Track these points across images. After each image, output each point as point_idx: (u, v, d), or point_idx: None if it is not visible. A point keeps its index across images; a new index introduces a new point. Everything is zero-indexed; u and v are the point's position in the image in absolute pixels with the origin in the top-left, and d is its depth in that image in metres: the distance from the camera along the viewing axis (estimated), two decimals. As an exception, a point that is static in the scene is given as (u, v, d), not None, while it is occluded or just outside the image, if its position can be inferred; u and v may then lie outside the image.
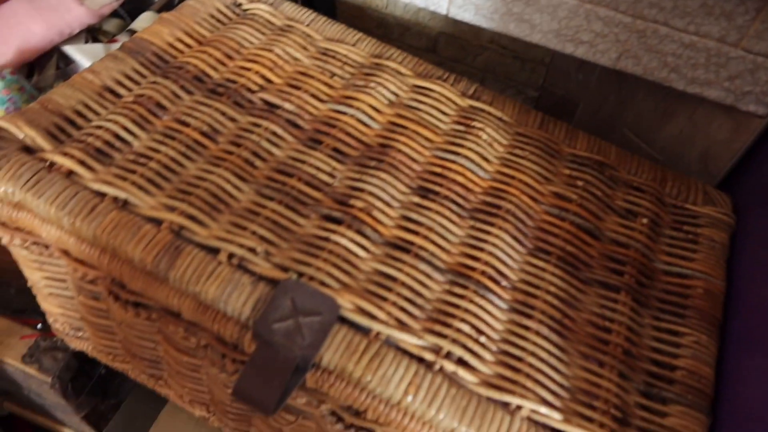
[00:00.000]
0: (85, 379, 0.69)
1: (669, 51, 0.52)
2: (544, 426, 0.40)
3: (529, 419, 0.40)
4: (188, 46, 0.55)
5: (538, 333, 0.43)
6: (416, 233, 0.46)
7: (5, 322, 0.68)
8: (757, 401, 0.39)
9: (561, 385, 0.41)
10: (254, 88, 0.53)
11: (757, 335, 0.43)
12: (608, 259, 0.49)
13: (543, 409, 0.40)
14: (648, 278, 0.49)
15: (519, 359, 0.42)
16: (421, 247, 0.46)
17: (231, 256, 0.42)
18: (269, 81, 0.54)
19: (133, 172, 0.45)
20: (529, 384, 0.41)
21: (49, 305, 0.57)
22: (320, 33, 0.60)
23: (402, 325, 0.41)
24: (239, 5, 0.61)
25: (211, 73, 0.54)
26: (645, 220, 0.52)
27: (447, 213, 0.48)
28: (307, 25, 0.60)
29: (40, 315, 0.68)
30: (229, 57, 0.55)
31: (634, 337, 0.45)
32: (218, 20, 0.59)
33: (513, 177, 0.52)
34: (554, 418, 0.40)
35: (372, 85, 0.55)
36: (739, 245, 0.52)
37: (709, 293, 0.48)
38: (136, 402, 0.64)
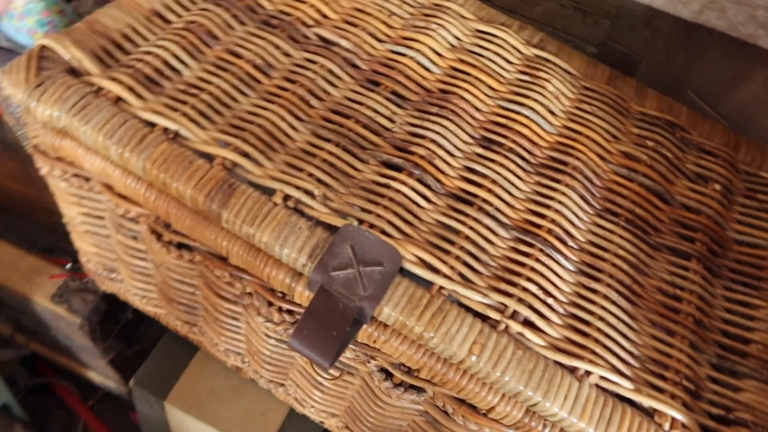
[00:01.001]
0: (112, 323, 0.68)
1: (761, 4, 0.48)
2: (613, 394, 0.37)
3: (598, 386, 0.37)
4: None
5: (606, 297, 0.41)
6: (480, 186, 0.43)
7: (34, 260, 0.67)
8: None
9: (630, 353, 0.39)
10: (309, 22, 0.50)
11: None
12: (679, 224, 0.46)
13: (613, 377, 0.37)
14: (720, 247, 0.46)
15: (587, 323, 0.39)
16: (486, 201, 0.43)
17: (287, 197, 0.39)
18: (325, 16, 0.51)
19: (185, 102, 0.42)
20: (599, 350, 0.38)
21: (83, 243, 0.55)
22: (376, -30, 0.56)
23: (466, 281, 0.39)
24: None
25: (265, 3, 0.50)
26: (717, 186, 0.49)
27: (512, 166, 0.45)
28: (363, -40, 0.56)
29: (70, 255, 0.66)
30: (283, -11, 0.52)
31: (705, 307, 0.42)
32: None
33: (580, 133, 0.49)
34: (624, 386, 0.37)
35: (433, 26, 0.52)
36: (815, 218, 0.49)
37: (785, 266, 0.45)
38: (168, 348, 0.62)
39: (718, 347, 0.41)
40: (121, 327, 0.69)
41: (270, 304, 0.44)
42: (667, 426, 0.36)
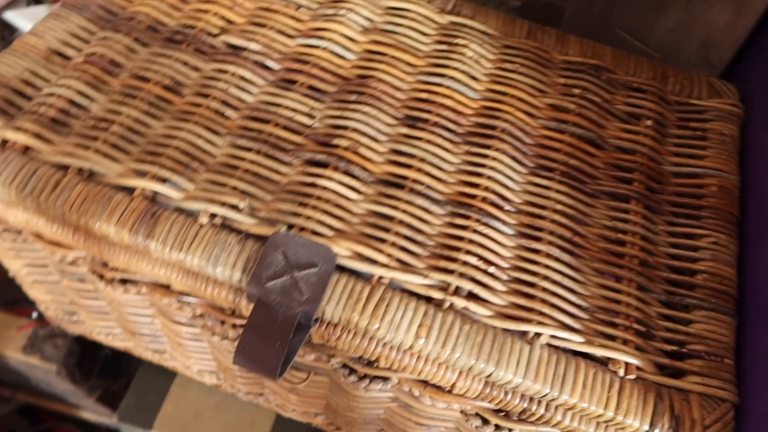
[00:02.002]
0: (91, 361, 0.68)
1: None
2: (566, 350, 0.38)
3: (550, 346, 0.38)
4: (136, -6, 0.51)
5: (548, 255, 0.41)
6: (408, 166, 0.43)
7: None
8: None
9: (579, 306, 0.39)
10: (215, 31, 0.49)
11: (778, 228, 0.41)
12: (614, 167, 0.46)
13: (563, 334, 0.38)
14: (658, 183, 0.46)
15: (532, 285, 0.39)
16: (416, 181, 0.43)
17: (213, 216, 0.39)
18: (230, 22, 0.50)
19: (95, 138, 0.41)
20: (546, 309, 0.38)
21: (36, 293, 0.55)
22: (278, -37, 0.55)
23: (405, 266, 0.39)
24: (186, -57, 0.55)
25: (166, 20, 0.49)
26: (649, 122, 0.49)
27: (439, 141, 0.45)
28: (263, -44, 0.55)
29: (32, 304, 0.66)
30: (184, 1, 0.50)
31: (649, 246, 0.43)
32: (165, -37, 0.54)
33: (505, 93, 0.48)
34: (575, 341, 0.38)
35: (342, 12, 0.51)
36: (750, 135, 0.49)
37: (724, 190, 0.45)
38: (146, 377, 0.62)
39: (667, 284, 0.41)
40: (102, 363, 0.69)
41: (222, 322, 0.44)
42: (621, 372, 0.37)
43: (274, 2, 0.51)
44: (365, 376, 0.43)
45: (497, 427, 0.42)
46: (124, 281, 0.45)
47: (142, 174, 0.40)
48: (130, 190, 0.40)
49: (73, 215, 0.38)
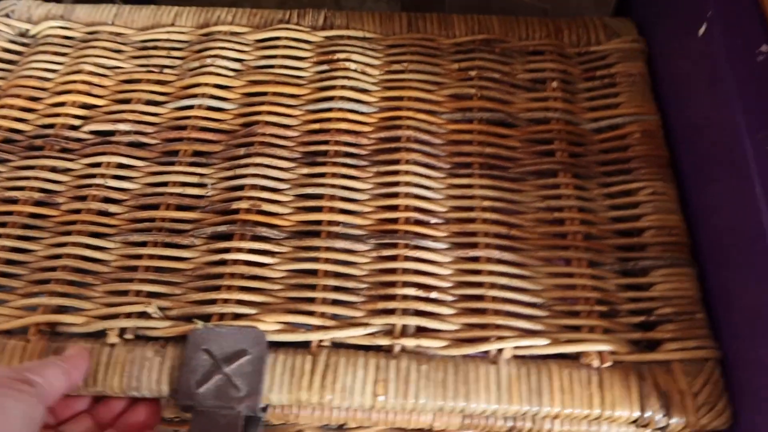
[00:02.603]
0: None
1: None
2: (534, 357, 0.35)
3: (516, 357, 0.35)
4: (-18, 107, 0.46)
5: (489, 259, 0.38)
6: (319, 209, 0.40)
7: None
8: (727, 228, 0.35)
9: (534, 305, 0.37)
10: (76, 123, 0.44)
11: (709, 158, 0.39)
12: (532, 143, 0.43)
13: (526, 342, 0.35)
14: (581, 145, 0.43)
15: (480, 298, 0.37)
16: (330, 222, 0.39)
17: (122, 331, 0.35)
18: (92, 107, 0.45)
19: (-30, 285, 0.37)
20: (501, 321, 0.36)
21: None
22: (130, 26, 0.50)
23: (342, 321, 0.36)
24: (26, 33, 0.51)
25: (21, 127, 0.44)
26: (555, 84, 0.46)
27: (344, 170, 0.41)
28: (112, 24, 0.50)
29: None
30: (35, 99, 0.46)
31: (589, 217, 0.40)
32: (9, 62, 0.49)
33: (400, 98, 0.45)
34: (540, 345, 0.35)
35: (208, 61, 0.47)
36: (658, 66, 0.47)
37: (647, 133, 0.43)
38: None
39: (617, 251, 0.39)
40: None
41: (176, 431, 0.40)
42: (596, 363, 0.34)
43: (134, 72, 0.47)
44: (341, 440, 0.40)
45: (491, 448, 0.39)
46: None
47: (32, 309, 0.36)
48: (23, 331, 0.36)
49: (-34, 379, 0.34)
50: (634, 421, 0.34)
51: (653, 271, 0.38)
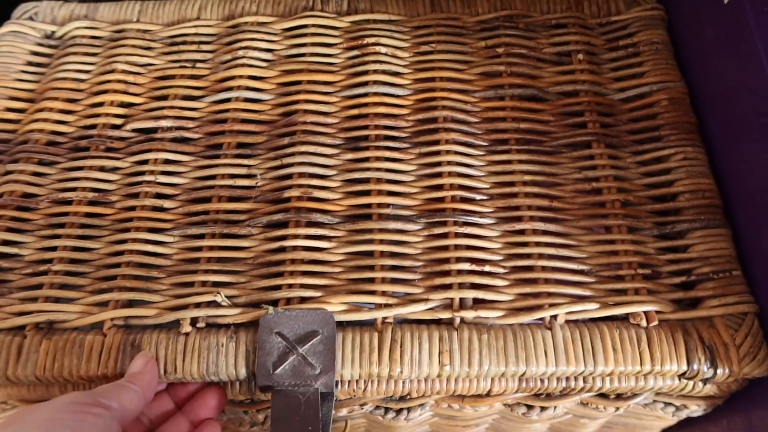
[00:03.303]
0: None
1: None
2: (585, 321, 0.37)
3: (568, 322, 0.37)
4: (20, 111, 0.46)
5: (535, 231, 0.40)
6: (368, 193, 0.41)
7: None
8: (759, 186, 0.37)
9: (582, 272, 0.39)
10: (118, 122, 0.45)
11: (737, 120, 0.41)
12: (564, 116, 0.45)
13: (577, 307, 0.37)
14: (611, 116, 0.45)
15: (531, 269, 0.39)
16: (380, 205, 0.41)
17: (194, 321, 0.37)
18: (131, 105, 0.46)
19: (39, 286, 0.38)
20: (552, 288, 0.38)
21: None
22: (156, 22, 0.51)
23: (403, 297, 0.38)
24: (53, 35, 0.51)
25: (63, 129, 0.45)
26: (581, 56, 0.47)
27: (388, 154, 0.43)
28: (137, 21, 0.51)
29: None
30: (73, 101, 0.47)
31: (625, 185, 0.42)
32: (39, 65, 0.49)
33: (432, 79, 0.46)
34: (591, 309, 0.37)
35: (240, 53, 0.48)
36: (679, 33, 0.48)
37: (674, 101, 0.45)
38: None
39: (654, 216, 0.41)
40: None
41: (246, 412, 0.42)
42: (644, 323, 0.37)
43: (166, 67, 0.48)
44: (401, 410, 0.42)
45: (542, 408, 0.42)
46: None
47: (104, 305, 0.38)
48: (98, 326, 0.37)
49: (48, 375, 0.36)
50: (683, 374, 0.36)
51: (690, 233, 0.40)
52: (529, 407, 0.42)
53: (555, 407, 0.42)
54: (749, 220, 0.39)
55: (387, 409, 0.42)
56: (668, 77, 0.45)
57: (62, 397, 0.31)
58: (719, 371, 0.36)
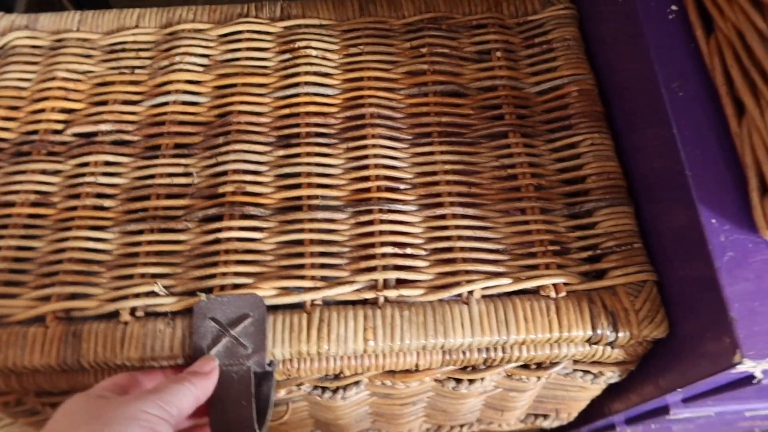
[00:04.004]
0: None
1: None
2: (500, 295, 0.40)
3: (484, 297, 0.40)
4: (-37, 120, 0.48)
5: (454, 215, 0.43)
6: (298, 186, 0.44)
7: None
8: (654, 168, 0.41)
9: (497, 251, 0.42)
10: (59, 127, 0.47)
11: (636, 109, 0.44)
12: (483, 109, 0.48)
13: (492, 282, 0.40)
14: (526, 108, 0.48)
15: (449, 250, 0.42)
16: (310, 197, 0.43)
17: (133, 311, 0.39)
18: (71, 111, 0.48)
19: (-16, 284, 0.40)
20: (469, 267, 0.41)
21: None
22: (96, 31, 0.53)
23: (331, 281, 0.40)
24: (-7, 45, 0.53)
25: (5, 135, 0.47)
26: (499, 53, 0.51)
27: (317, 149, 0.45)
28: (77, 30, 0.53)
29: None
30: (15, 108, 0.48)
31: (539, 170, 0.45)
32: (-20, 73, 0.51)
33: (361, 78, 0.49)
34: (505, 284, 0.40)
35: (177, 59, 0.50)
36: (589, 31, 0.52)
37: (584, 92, 0.48)
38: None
39: (565, 197, 0.44)
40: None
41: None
42: (553, 294, 0.40)
43: (107, 75, 0.50)
44: (337, 389, 0.44)
45: (470, 381, 0.45)
46: (75, 401, 0.44)
47: (46, 299, 0.39)
48: (42, 319, 0.39)
49: (-6, 368, 0.37)
50: (588, 339, 0.40)
51: (596, 212, 0.43)
52: (458, 381, 0.45)
53: (482, 379, 0.45)
54: (648, 197, 0.43)
55: (324, 389, 0.44)
56: (578, 70, 0.49)
57: (129, 404, 0.31)
58: (621, 334, 0.39)
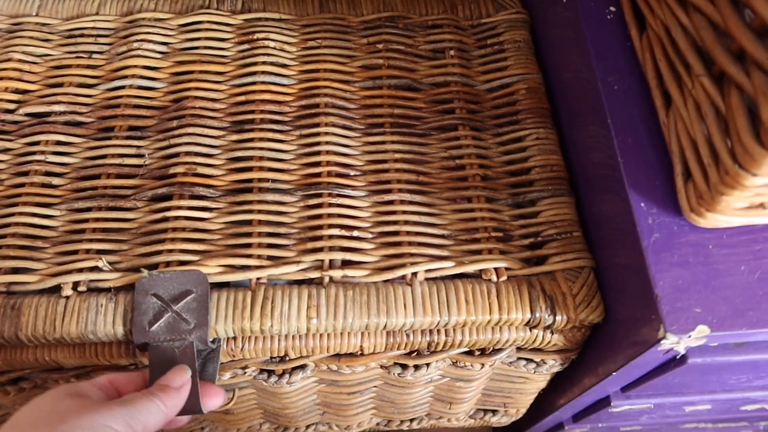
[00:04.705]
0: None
1: None
2: (444, 278, 0.41)
3: (428, 280, 0.41)
4: None
5: (402, 201, 0.44)
6: (250, 169, 0.44)
7: None
8: (592, 159, 0.43)
9: (442, 236, 0.43)
10: (11, 107, 0.47)
11: (577, 105, 0.46)
12: (435, 103, 0.50)
13: (435, 265, 0.41)
14: (476, 103, 0.50)
15: (396, 234, 0.43)
16: (261, 180, 0.44)
17: (76, 285, 0.39)
18: (25, 92, 0.48)
19: (-77, 257, 0.39)
20: (414, 250, 0.42)
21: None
22: (55, 16, 0.53)
23: (276, 260, 0.41)
24: (-51, 26, 0.52)
25: (-45, 113, 0.47)
26: (452, 52, 0.52)
27: (270, 135, 0.46)
28: (37, 15, 0.53)
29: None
30: (-33, 87, 0.48)
31: (486, 162, 0.47)
32: (-66, 53, 0.51)
33: (317, 70, 0.50)
34: (448, 267, 0.41)
35: (135, 45, 0.50)
36: (539, 33, 0.54)
37: (531, 90, 0.50)
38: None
39: (510, 188, 0.46)
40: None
41: (130, 379, 0.44)
42: (494, 278, 0.41)
43: (63, 58, 0.50)
44: (283, 373, 0.44)
45: (416, 367, 0.45)
46: (15, 380, 0.43)
47: (-14, 272, 0.39)
48: (-20, 293, 0.39)
49: (-72, 340, 0.37)
50: (528, 323, 0.41)
51: (539, 202, 0.45)
52: (404, 367, 0.46)
53: (428, 365, 0.45)
54: (587, 188, 0.44)
55: (269, 372, 0.44)
56: (527, 70, 0.51)
57: (96, 414, 0.30)
58: (558, 317, 0.40)
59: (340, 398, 0.50)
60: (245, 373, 0.44)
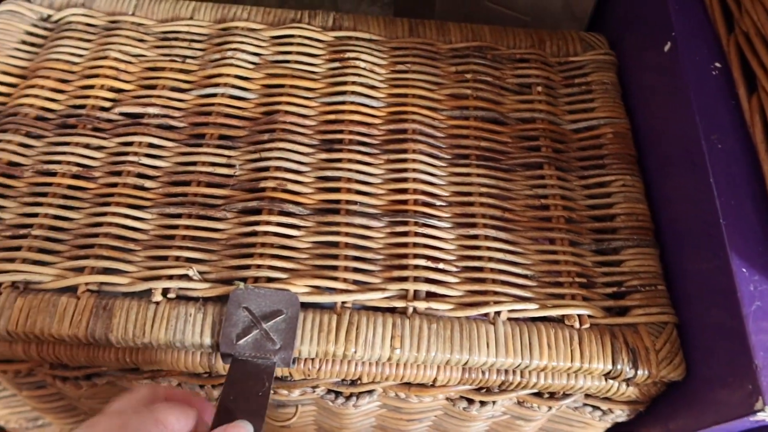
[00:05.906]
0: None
1: None
2: (525, 320, 0.41)
3: (510, 320, 0.41)
4: (11, 86, 0.49)
5: (486, 237, 0.44)
6: (338, 190, 0.45)
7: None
8: (686, 214, 0.42)
9: (525, 276, 0.43)
10: (107, 105, 0.48)
11: (670, 156, 0.46)
12: (521, 139, 0.50)
13: (519, 306, 0.41)
14: (562, 143, 0.50)
15: (480, 269, 0.42)
16: (349, 202, 0.44)
17: (165, 291, 0.39)
18: (120, 91, 0.49)
19: (18, 248, 0.40)
20: (498, 288, 0.42)
21: (-8, 410, 0.52)
22: (151, 17, 0.54)
23: (362, 285, 0.41)
24: (48, 18, 0.53)
25: (52, 106, 0.48)
26: (540, 88, 0.52)
27: (358, 157, 0.46)
28: (133, 14, 0.54)
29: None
30: (64, 81, 0.49)
31: (570, 204, 0.47)
32: (32, 44, 0.52)
33: (406, 95, 0.50)
34: (531, 309, 0.41)
35: (229, 54, 0.51)
36: (626, 78, 0.54)
37: (618, 135, 0.50)
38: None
39: (593, 233, 0.46)
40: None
41: (201, 386, 0.44)
42: (577, 324, 0.41)
43: (158, 60, 0.51)
44: (351, 395, 0.44)
45: (482, 403, 0.45)
46: (89, 376, 0.44)
47: (79, 270, 0.40)
48: (73, 290, 0.39)
49: (21, 333, 0.37)
50: (607, 374, 0.40)
51: (623, 250, 0.44)
52: (470, 402, 0.45)
53: (494, 402, 0.45)
54: (675, 243, 0.44)
55: (338, 394, 0.44)
56: (614, 114, 0.51)
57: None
58: (640, 372, 0.40)
59: (399, 424, 0.50)
60: (314, 391, 0.44)
